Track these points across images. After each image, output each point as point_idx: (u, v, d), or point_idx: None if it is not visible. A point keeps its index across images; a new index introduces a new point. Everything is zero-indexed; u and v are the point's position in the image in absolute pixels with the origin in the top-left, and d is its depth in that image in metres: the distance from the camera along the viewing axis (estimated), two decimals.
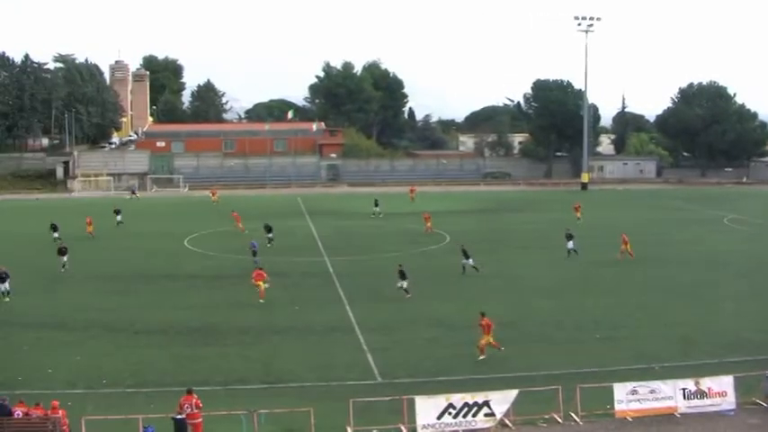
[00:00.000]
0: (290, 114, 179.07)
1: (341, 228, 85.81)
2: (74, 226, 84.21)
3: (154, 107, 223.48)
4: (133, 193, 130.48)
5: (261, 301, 53.95)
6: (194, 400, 31.23)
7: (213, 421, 31.38)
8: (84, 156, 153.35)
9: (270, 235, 76.48)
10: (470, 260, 62.87)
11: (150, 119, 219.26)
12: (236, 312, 52.00)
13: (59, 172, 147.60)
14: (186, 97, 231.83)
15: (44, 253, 70.05)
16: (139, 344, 44.86)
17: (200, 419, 30.99)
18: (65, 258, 64.78)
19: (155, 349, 44.22)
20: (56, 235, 78.45)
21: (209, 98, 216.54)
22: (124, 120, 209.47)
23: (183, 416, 31.40)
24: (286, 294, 56.69)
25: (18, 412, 32.59)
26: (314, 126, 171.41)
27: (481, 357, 41.20)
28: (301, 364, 41.38)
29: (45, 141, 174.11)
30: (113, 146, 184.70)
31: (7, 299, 54.54)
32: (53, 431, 32.08)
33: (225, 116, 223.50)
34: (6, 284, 54.94)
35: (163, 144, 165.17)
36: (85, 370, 40.48)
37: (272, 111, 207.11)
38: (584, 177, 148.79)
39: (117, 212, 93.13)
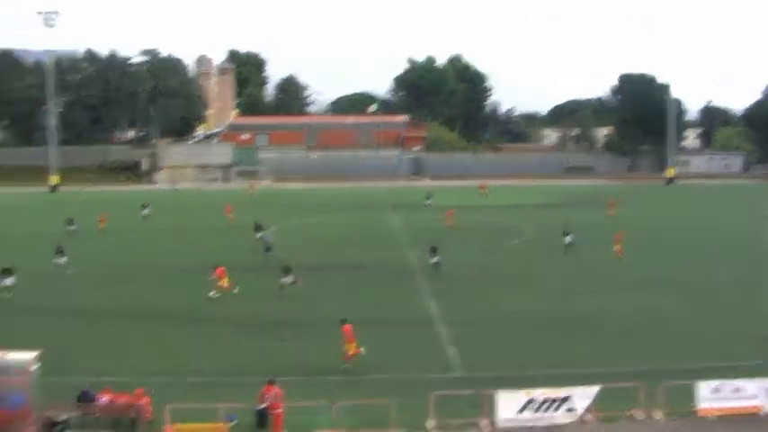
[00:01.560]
0: (372, 107, 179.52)
1: (422, 221, 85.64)
2: (156, 218, 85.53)
3: (238, 100, 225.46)
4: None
5: (210, 294, 53.56)
6: (275, 391, 31.45)
7: (294, 412, 31.56)
8: (169, 148, 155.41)
9: (258, 235, 74.91)
10: (436, 257, 62.34)
11: (234, 112, 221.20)
12: (317, 304, 52.25)
13: (144, 164, 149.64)
14: (270, 91, 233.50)
15: (138, 244, 71.14)
16: (223, 334, 45.31)
17: (281, 410, 31.19)
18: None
19: (238, 340, 44.64)
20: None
21: (292, 91, 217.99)
22: (209, 113, 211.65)
23: (265, 406, 31.68)
24: (368, 286, 56.87)
25: (103, 399, 33.19)
26: (397, 119, 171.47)
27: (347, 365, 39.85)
28: (382, 356, 41.40)
29: (131, 134, 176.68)
30: (198, 139, 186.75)
31: (10, 294, 54.89)
32: (137, 418, 32.61)
33: (308, 109, 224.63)
34: (9, 280, 55.14)
35: (247, 137, 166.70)
36: (169, 359, 41.02)
37: (356, 104, 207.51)
38: (670, 172, 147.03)
39: (144, 206, 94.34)
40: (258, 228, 75.68)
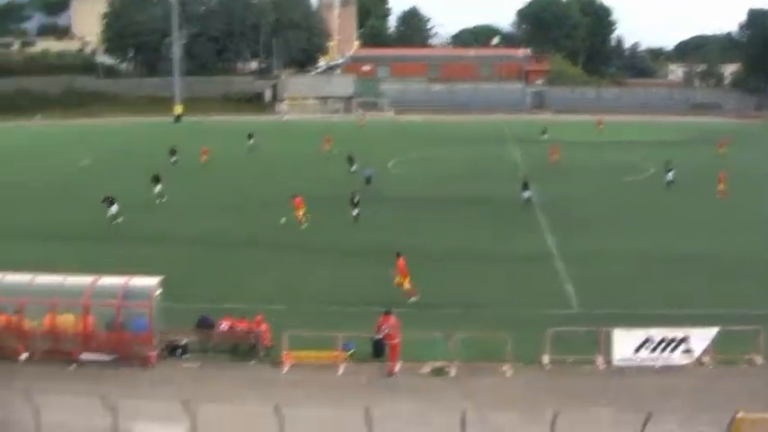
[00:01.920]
0: (495, 40, 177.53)
1: (544, 155, 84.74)
2: (279, 147, 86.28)
3: (360, 31, 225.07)
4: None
5: (303, 227, 54.44)
6: (393, 321, 31.71)
7: (410, 343, 31.81)
8: (291, 79, 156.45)
9: (353, 168, 75.00)
10: (528, 192, 62.18)
11: (356, 44, 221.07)
12: (437, 236, 52.42)
13: (267, 95, 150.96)
14: (392, 22, 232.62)
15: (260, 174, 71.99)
16: (341, 264, 45.77)
17: (397, 340, 31.47)
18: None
19: (356, 269, 45.11)
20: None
21: (414, 23, 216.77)
22: (330, 44, 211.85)
23: (381, 336, 31.99)
24: (488, 220, 56.77)
25: (223, 325, 33.93)
26: (520, 52, 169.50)
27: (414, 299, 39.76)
28: (500, 290, 41.46)
29: (253, 65, 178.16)
30: (320, 70, 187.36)
31: (119, 220, 56.48)
32: (256, 345, 33.28)
33: (430, 42, 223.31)
34: (113, 208, 56.65)
35: (368, 68, 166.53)
36: (289, 287, 41.69)
37: (478, 36, 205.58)
38: None
39: (250, 137, 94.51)
40: (351, 161, 75.86)
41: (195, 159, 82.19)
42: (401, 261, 40.05)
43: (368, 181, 67.38)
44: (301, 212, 55.07)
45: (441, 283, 42.53)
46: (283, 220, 54.99)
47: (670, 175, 68.52)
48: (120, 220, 56.01)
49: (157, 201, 63.44)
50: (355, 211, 56.61)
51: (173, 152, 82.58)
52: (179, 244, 51.58)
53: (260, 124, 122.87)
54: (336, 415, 27.24)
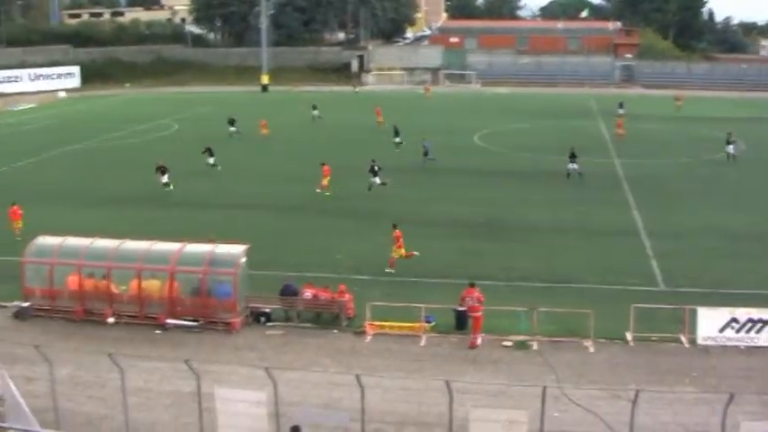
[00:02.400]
0: (584, 13, 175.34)
1: (631, 130, 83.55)
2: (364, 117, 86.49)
3: (448, 3, 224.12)
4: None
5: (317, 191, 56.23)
6: (476, 294, 31.70)
7: (493, 315, 31.82)
8: (378, 50, 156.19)
9: (397, 139, 74.70)
10: (573, 164, 61.08)
11: (444, 15, 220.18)
12: (522, 209, 52.22)
13: (354, 65, 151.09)
14: None
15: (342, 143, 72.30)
16: (425, 235, 45.69)
17: (480, 313, 31.46)
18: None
19: (440, 241, 45.11)
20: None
21: None
22: (418, 15, 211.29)
23: (465, 308, 32.00)
24: (573, 194, 56.34)
25: (307, 293, 34.21)
26: (609, 25, 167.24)
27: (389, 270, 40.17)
28: (584, 265, 41.15)
29: (341, 36, 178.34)
30: (407, 41, 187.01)
31: (170, 188, 57.52)
32: (339, 314, 33.52)
33: (519, 13, 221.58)
34: (165, 177, 57.88)
35: (456, 40, 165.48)
36: (372, 258, 41.82)
37: (567, 9, 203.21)
38: None
39: (314, 108, 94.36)
40: (396, 132, 75.27)
41: (275, 129, 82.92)
42: (397, 232, 40.53)
43: (426, 153, 67.01)
44: (326, 181, 56.72)
45: (525, 257, 42.42)
46: (318, 190, 56.21)
47: (730, 148, 67.20)
48: (171, 188, 57.18)
49: (218, 168, 64.96)
50: (376, 180, 56.89)
51: (231, 122, 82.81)
52: (265, 212, 52.08)
53: (342, 95, 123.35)
54: (417, 386, 27.37)
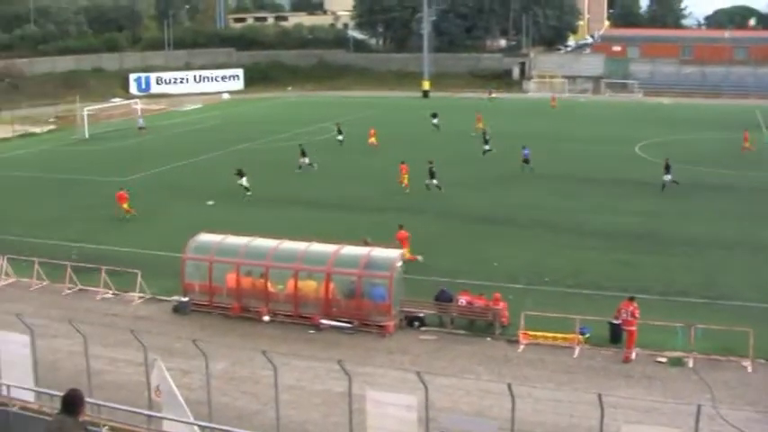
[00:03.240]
0: (752, 22, 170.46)
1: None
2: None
3: (610, 11, 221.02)
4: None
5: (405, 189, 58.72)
6: (631, 308, 31.04)
7: (648, 330, 31.17)
8: (539, 57, 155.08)
9: (487, 147, 73.38)
10: (668, 176, 59.19)
11: (606, 23, 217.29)
12: (682, 222, 50.90)
13: (515, 72, 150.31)
14: (643, 2, 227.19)
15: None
16: (582, 246, 45.15)
17: (634, 327, 30.83)
18: None
19: (597, 252, 44.43)
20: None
21: (667, 3, 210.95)
22: (580, 23, 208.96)
23: (620, 321, 31.33)
24: (737, 208, 54.60)
25: (462, 300, 34.03)
26: None
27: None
28: (745, 281, 39.85)
29: (503, 42, 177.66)
30: (569, 48, 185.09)
31: (249, 193, 58.49)
32: (493, 322, 33.23)
33: (683, 22, 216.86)
34: (244, 180, 59.03)
35: (618, 48, 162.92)
36: (528, 266, 41.50)
37: (733, 17, 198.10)
38: None
39: (433, 116, 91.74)
40: (485, 140, 73.73)
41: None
42: (403, 233, 41.22)
43: (525, 161, 66.11)
44: (405, 178, 59.24)
45: (684, 271, 41.38)
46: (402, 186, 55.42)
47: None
48: (249, 194, 58.29)
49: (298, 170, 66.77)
50: (434, 182, 58.35)
51: (339, 131, 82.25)
52: (424, 216, 52.06)
53: (502, 103, 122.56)
54: (568, 398, 26.92)
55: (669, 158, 60.63)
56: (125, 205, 53.44)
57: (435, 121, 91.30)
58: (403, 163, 59.54)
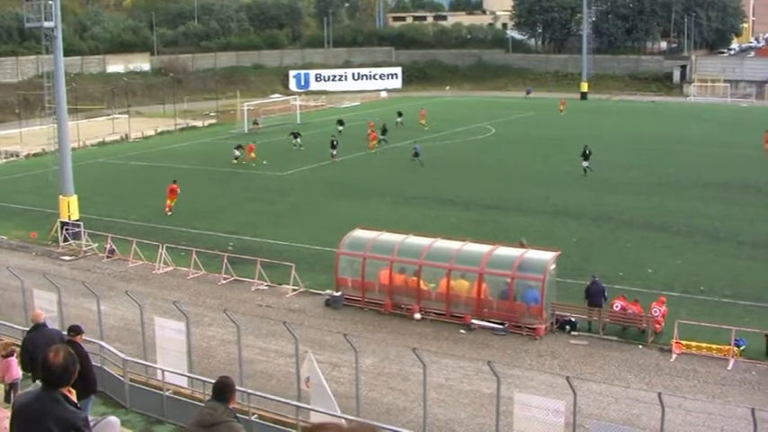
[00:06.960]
0: None
1: None
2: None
3: None
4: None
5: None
6: None
7: None
8: (701, 61, 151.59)
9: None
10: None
11: None
12: None
13: (676, 76, 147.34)
14: None
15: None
16: (742, 255, 44.09)
17: None
18: None
19: (757, 262, 43.25)
20: None
21: None
22: (745, 25, 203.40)
23: None
24: None
25: (617, 304, 33.73)
26: None
27: None
28: None
29: (663, 45, 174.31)
30: (732, 52, 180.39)
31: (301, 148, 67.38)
32: (646, 329, 32.78)
33: None
34: (299, 139, 67.86)
35: None
36: (684, 274, 40.76)
37: None
38: None
39: (399, 114, 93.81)
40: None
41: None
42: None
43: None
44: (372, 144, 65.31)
45: None
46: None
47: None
48: (302, 148, 67.10)
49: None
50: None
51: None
52: (581, 220, 51.61)
53: (659, 106, 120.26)
54: (720, 411, 26.40)
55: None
56: (171, 201, 54.09)
57: (400, 119, 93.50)
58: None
